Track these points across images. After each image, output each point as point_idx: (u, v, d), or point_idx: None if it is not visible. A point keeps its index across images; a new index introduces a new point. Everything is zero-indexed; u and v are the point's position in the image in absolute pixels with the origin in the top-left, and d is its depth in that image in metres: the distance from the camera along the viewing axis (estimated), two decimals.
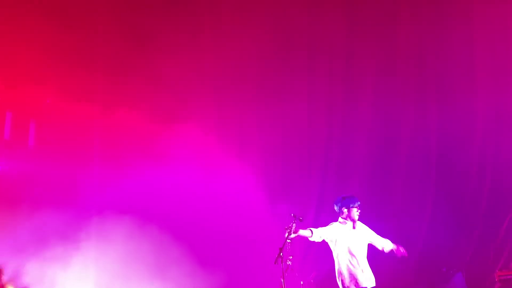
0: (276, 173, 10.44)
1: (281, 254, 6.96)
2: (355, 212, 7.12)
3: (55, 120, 10.38)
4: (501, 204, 9.07)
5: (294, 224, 7.17)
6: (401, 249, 6.99)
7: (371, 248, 7.24)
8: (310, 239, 7.08)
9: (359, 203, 7.05)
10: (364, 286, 6.92)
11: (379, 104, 10.07)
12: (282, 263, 6.92)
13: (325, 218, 9.99)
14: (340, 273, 7.04)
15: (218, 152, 10.43)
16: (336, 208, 7.20)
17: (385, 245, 7.11)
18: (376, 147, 10.01)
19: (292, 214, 7.23)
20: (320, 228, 7.14)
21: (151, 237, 9.83)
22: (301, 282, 8.61)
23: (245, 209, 10.13)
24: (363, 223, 7.22)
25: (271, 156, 10.48)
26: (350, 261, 7.07)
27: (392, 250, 7.05)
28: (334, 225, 7.21)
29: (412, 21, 9.97)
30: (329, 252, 9.74)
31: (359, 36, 10.21)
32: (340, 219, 7.18)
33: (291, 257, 6.99)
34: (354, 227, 7.14)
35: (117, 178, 10.21)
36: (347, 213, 7.14)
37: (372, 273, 6.92)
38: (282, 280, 6.85)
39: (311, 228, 7.09)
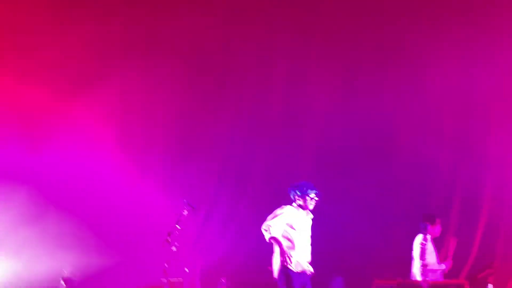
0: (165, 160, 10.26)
1: (169, 239, 6.89)
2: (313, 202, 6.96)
3: None
4: (384, 215, 9.47)
5: (186, 211, 7.13)
6: None
7: None
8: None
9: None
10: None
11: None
12: (168, 248, 6.85)
13: (219, 211, 10.06)
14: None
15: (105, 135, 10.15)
16: (296, 193, 6.94)
17: None
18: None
19: (185, 200, 7.18)
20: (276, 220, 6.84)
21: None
22: (186, 270, 8.56)
23: (135, 195, 9.94)
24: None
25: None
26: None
27: None
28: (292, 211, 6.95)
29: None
30: (218, 243, 9.82)
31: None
32: (294, 204, 6.96)
33: (177, 243, 6.93)
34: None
35: None
36: (303, 202, 6.92)
37: None
38: (166, 265, 6.79)
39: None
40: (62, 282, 8.15)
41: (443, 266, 7.39)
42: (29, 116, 10.02)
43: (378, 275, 8.59)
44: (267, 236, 6.84)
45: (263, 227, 6.86)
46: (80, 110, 10.12)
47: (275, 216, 6.88)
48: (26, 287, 8.99)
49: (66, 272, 8.28)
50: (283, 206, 6.94)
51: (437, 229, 7.51)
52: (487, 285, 7.01)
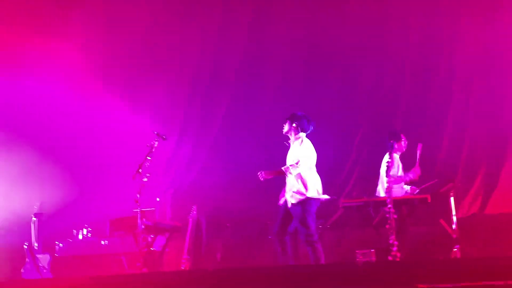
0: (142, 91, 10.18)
1: (140, 170, 6.94)
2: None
3: None
4: (351, 135, 9.67)
5: (156, 142, 7.15)
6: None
7: None
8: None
9: None
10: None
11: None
12: (140, 179, 6.91)
13: (189, 138, 10.11)
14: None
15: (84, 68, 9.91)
16: (301, 123, 6.99)
17: None
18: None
19: (155, 132, 7.20)
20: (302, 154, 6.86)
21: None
22: (157, 199, 8.67)
23: (106, 127, 9.87)
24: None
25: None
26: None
27: None
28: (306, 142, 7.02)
29: None
30: (187, 171, 9.93)
31: None
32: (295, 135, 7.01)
33: (148, 174, 6.99)
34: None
35: None
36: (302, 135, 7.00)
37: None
38: (138, 196, 6.86)
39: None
40: (34, 217, 8.16)
41: (411, 175, 7.50)
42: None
43: (345, 195, 8.93)
44: (295, 172, 6.87)
45: (295, 163, 6.85)
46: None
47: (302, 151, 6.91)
48: None
49: (37, 207, 8.27)
50: (301, 136, 6.98)
51: (402, 144, 7.62)
52: (449, 198, 7.29)
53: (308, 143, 7.01)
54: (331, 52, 9.69)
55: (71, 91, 9.90)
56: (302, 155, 6.86)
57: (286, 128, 7.09)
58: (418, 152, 7.46)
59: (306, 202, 6.78)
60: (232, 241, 8.80)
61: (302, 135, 7.03)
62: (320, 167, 9.47)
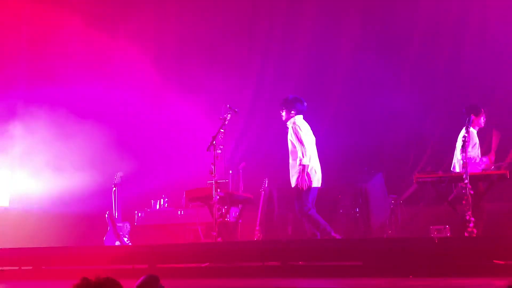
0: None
1: (214, 142, 7.11)
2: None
3: None
4: (426, 109, 9.45)
5: (229, 115, 7.29)
6: None
7: None
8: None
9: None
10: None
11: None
12: (214, 151, 7.08)
13: (261, 111, 10.22)
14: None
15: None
16: (296, 107, 7.11)
17: None
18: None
19: (227, 105, 7.33)
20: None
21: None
22: (230, 171, 8.87)
23: (183, 100, 10.19)
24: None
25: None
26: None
27: None
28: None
29: None
30: (259, 145, 10.07)
31: None
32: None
33: (221, 146, 7.15)
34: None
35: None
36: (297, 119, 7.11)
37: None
38: (213, 167, 7.04)
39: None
40: (114, 187, 8.55)
41: (484, 160, 7.36)
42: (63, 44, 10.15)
43: (419, 170, 8.77)
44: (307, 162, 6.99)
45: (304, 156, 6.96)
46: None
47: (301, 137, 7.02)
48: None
49: (117, 178, 8.66)
50: (297, 120, 7.09)
51: (481, 120, 7.37)
52: None
53: (304, 129, 7.08)
54: (407, 27, 9.51)
55: (142, 81, 10.30)
56: (301, 149, 6.97)
57: (284, 116, 7.20)
58: (495, 139, 7.22)
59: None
60: None
61: (298, 118, 7.14)
62: (394, 141, 9.40)
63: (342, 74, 9.89)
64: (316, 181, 7.13)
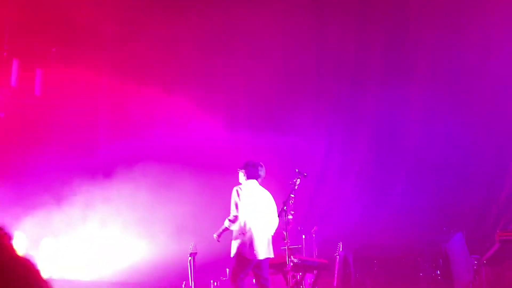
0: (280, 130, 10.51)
1: (285, 208, 7.07)
2: None
3: (61, 69, 10.39)
4: (504, 167, 9.10)
5: (298, 180, 7.26)
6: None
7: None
8: None
9: None
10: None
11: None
12: (285, 216, 7.03)
13: (332, 173, 10.15)
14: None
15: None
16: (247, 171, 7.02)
17: None
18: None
19: (296, 170, 7.32)
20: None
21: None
22: (303, 236, 8.76)
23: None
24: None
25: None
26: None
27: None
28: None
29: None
30: (331, 208, 9.94)
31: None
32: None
33: (293, 212, 7.10)
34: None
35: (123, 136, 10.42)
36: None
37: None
38: (285, 233, 6.97)
39: None
40: (189, 257, 8.62)
41: None
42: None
43: (501, 228, 8.34)
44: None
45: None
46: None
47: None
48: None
49: (192, 247, 8.74)
50: (242, 184, 6.98)
51: None
52: None
53: (248, 194, 6.86)
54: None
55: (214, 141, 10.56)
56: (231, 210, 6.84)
57: (239, 177, 7.05)
58: None
59: None
60: (382, 278, 8.57)
61: (248, 182, 6.96)
62: (473, 198, 9.04)
63: (414, 133, 9.74)
64: (251, 253, 6.66)
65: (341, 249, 8.57)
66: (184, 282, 8.61)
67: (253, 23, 10.40)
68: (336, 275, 8.27)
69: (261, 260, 6.75)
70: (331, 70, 10.57)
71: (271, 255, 6.84)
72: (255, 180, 7.01)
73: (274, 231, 6.97)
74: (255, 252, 6.70)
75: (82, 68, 10.43)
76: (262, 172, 7.07)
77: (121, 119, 10.71)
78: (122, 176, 10.09)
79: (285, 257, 6.95)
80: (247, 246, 6.71)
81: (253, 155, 10.25)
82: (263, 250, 6.75)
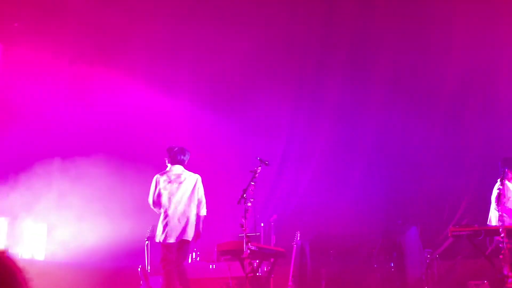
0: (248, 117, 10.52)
1: (244, 195, 7.10)
2: None
3: (23, 44, 10.12)
4: (460, 162, 9.32)
5: (259, 168, 7.30)
6: None
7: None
8: None
9: None
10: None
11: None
12: (244, 204, 7.06)
13: (291, 165, 10.23)
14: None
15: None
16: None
17: None
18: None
19: (258, 158, 7.35)
20: None
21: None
22: (262, 224, 8.82)
23: (212, 151, 10.27)
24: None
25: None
26: None
27: None
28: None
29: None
30: (290, 198, 10.03)
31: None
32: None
33: (252, 199, 7.14)
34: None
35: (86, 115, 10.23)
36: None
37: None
38: (244, 220, 7.01)
39: None
40: (146, 241, 8.59)
41: None
42: None
43: (454, 223, 8.57)
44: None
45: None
46: None
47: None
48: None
49: (149, 231, 8.72)
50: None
51: None
52: None
53: (166, 179, 7.28)
54: (438, 76, 9.53)
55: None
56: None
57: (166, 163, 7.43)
58: None
59: None
60: (337, 268, 8.71)
61: (168, 167, 7.36)
62: (428, 194, 9.26)
63: (372, 127, 9.91)
64: (166, 237, 7.09)
65: (298, 239, 8.66)
66: (140, 266, 8.57)
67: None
68: (292, 264, 8.36)
69: (175, 243, 7.09)
70: (296, 58, 10.59)
71: (187, 238, 7.15)
72: (178, 165, 7.34)
73: (199, 213, 7.34)
74: (168, 235, 7.07)
75: (45, 45, 10.18)
76: (184, 157, 7.39)
77: (82, 97, 10.50)
78: (82, 157, 9.96)
79: (243, 244, 7.00)
80: (164, 230, 7.10)
81: (216, 140, 10.29)
82: (177, 233, 7.11)
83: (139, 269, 8.54)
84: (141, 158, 9.95)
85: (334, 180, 9.80)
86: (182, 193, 7.26)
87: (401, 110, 9.56)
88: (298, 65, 10.56)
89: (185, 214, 7.19)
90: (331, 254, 8.85)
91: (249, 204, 7.09)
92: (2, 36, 10.06)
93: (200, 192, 7.40)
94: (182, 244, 7.16)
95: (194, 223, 7.25)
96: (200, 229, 7.31)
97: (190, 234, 7.17)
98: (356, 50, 10.16)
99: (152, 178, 7.37)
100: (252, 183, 7.19)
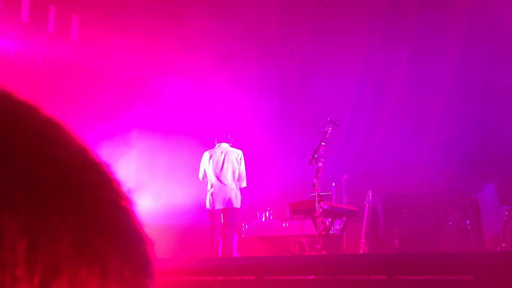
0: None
1: (315, 156, 7.18)
2: None
3: (99, 16, 10.42)
4: None
5: (330, 128, 7.33)
6: None
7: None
8: None
9: None
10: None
11: None
12: (316, 164, 7.14)
13: (362, 124, 10.16)
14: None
15: None
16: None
17: None
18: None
19: (328, 119, 7.37)
20: None
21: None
22: (333, 184, 8.88)
23: (283, 113, 10.33)
24: None
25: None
26: None
27: None
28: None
29: None
30: (362, 156, 10.00)
31: None
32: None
33: (323, 159, 7.20)
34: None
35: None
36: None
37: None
38: (316, 180, 7.11)
39: None
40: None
41: None
42: None
43: None
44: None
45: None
46: None
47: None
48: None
49: None
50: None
51: None
52: None
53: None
54: None
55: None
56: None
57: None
58: None
59: None
60: (410, 226, 8.68)
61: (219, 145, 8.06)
62: (506, 149, 8.95)
63: (449, 82, 9.60)
64: (209, 203, 7.91)
65: (370, 197, 8.67)
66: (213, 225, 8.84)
67: None
68: (365, 222, 8.41)
69: (219, 210, 7.85)
70: (365, 17, 10.37)
71: (231, 206, 7.84)
72: (224, 143, 8.02)
73: (241, 185, 8.00)
74: (211, 204, 7.91)
75: (120, 18, 10.46)
76: (230, 136, 8.10)
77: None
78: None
79: (315, 203, 7.11)
80: (208, 198, 7.95)
81: (281, 104, 10.29)
82: (220, 202, 7.84)
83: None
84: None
85: (406, 137, 9.65)
86: (226, 167, 7.87)
87: (478, 59, 9.20)
88: (367, 16, 10.31)
89: (227, 185, 7.85)
90: (404, 212, 8.80)
91: (320, 164, 7.16)
92: (78, 7, 10.38)
93: (242, 166, 7.95)
94: (225, 211, 7.81)
95: (237, 192, 7.86)
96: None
97: (234, 202, 7.77)
98: None
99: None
100: (323, 144, 7.25)
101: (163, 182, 9.89)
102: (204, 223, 8.54)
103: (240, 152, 8.04)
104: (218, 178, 7.84)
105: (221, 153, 7.93)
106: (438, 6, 9.73)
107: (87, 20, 10.42)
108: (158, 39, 10.58)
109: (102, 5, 10.27)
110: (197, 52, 10.49)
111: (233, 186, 7.88)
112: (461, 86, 9.49)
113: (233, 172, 7.88)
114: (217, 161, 7.88)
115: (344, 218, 8.17)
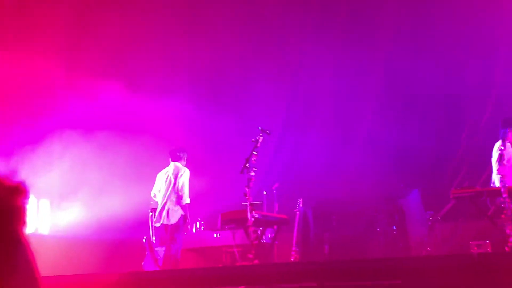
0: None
1: (247, 165, 7.14)
2: None
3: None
4: (460, 125, 9.34)
5: (261, 137, 7.32)
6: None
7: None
8: None
9: None
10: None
11: None
12: (247, 173, 7.11)
13: (292, 132, 10.24)
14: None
15: None
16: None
17: None
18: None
19: (259, 128, 7.37)
20: None
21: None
22: (264, 192, 8.87)
23: (216, 125, 10.27)
24: None
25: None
26: None
27: None
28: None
29: None
30: (293, 165, 10.08)
31: None
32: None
33: (255, 168, 7.17)
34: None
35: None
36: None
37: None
38: (247, 189, 7.07)
39: None
40: (150, 212, 8.66)
41: None
42: None
43: (456, 185, 8.62)
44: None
45: None
46: None
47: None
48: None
49: (153, 203, 8.77)
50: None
51: None
52: None
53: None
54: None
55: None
56: None
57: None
58: None
59: None
60: (340, 233, 8.81)
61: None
62: (430, 156, 9.30)
63: (376, 91, 9.86)
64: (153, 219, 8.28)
65: (301, 205, 8.73)
66: (145, 237, 8.65)
67: None
68: (295, 230, 8.45)
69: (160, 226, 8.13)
70: (296, 21, 10.48)
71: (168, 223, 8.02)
72: (174, 162, 8.23)
73: (179, 200, 8.06)
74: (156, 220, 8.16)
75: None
76: (181, 154, 8.31)
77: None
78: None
79: (247, 213, 7.06)
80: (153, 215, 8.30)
81: (214, 113, 10.26)
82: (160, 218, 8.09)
83: (144, 240, 8.63)
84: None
85: (334, 146, 9.82)
86: (168, 184, 8.10)
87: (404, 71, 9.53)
88: (298, 26, 10.44)
89: (166, 202, 8.05)
90: (333, 219, 8.93)
91: (252, 173, 7.13)
92: None
93: (181, 183, 8.10)
94: (166, 227, 8.04)
95: (175, 209, 7.99)
96: (187, 215, 8.06)
97: (170, 219, 7.98)
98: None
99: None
100: (254, 153, 7.22)
101: (96, 195, 9.61)
102: (138, 237, 8.46)
103: (184, 170, 8.22)
104: (161, 196, 8.11)
105: (167, 171, 8.22)
106: (365, 16, 10.00)
107: None
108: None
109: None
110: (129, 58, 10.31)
111: (171, 203, 8.06)
112: (387, 96, 9.77)
113: (175, 190, 8.07)
114: (162, 179, 8.20)
115: (275, 227, 8.17)
